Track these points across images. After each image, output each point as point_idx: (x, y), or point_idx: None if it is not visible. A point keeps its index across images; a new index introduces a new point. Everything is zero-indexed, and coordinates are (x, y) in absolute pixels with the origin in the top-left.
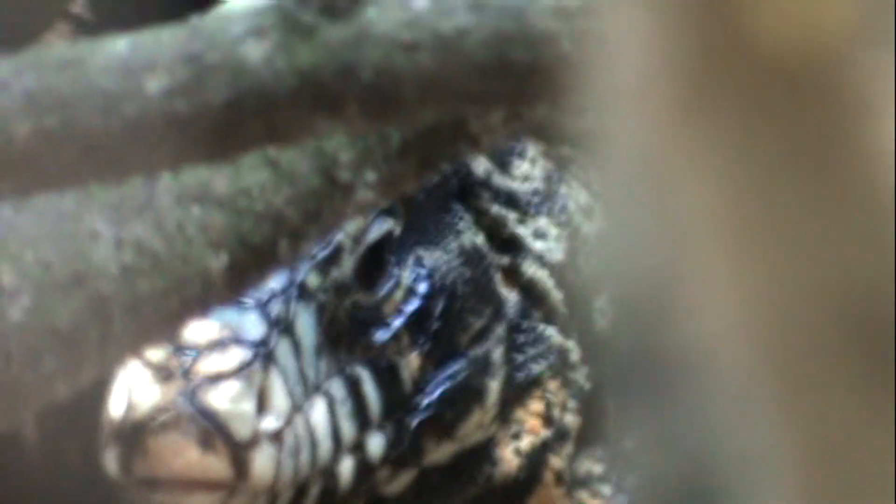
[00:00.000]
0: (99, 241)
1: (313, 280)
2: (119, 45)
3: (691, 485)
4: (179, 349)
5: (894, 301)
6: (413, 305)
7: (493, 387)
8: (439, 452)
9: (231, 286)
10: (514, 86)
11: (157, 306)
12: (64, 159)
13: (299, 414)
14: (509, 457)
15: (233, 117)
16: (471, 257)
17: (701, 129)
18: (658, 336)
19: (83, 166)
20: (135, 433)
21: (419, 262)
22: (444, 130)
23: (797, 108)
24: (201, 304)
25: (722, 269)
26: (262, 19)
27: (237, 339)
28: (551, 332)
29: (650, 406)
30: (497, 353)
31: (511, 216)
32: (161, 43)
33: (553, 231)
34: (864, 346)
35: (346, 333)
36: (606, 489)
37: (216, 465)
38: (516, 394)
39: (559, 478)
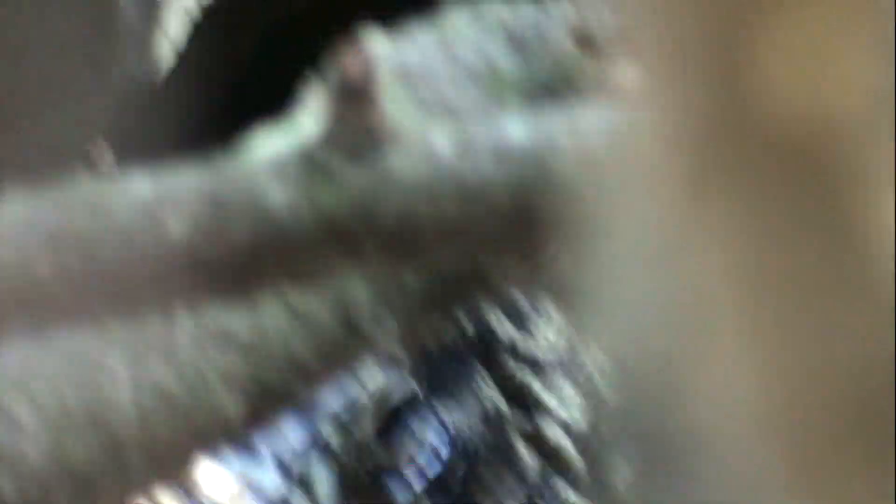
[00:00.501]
0: (117, 383)
1: (334, 439)
2: (142, 186)
3: None
4: (195, 502)
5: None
6: (435, 469)
7: None
8: None
9: (248, 428)
10: (535, 233)
11: (173, 448)
12: (84, 297)
13: None
14: None
15: (253, 259)
16: (493, 421)
17: (710, 207)
18: (665, 417)
19: (103, 304)
20: None
21: (442, 425)
22: (465, 281)
23: (803, 187)
24: (217, 447)
25: (729, 348)
26: (286, 163)
27: (255, 494)
28: (574, 499)
29: (657, 490)
30: None
31: (534, 382)
32: (184, 185)
33: (577, 399)
34: (867, 429)
35: (365, 493)
36: None
37: None
38: None
39: None
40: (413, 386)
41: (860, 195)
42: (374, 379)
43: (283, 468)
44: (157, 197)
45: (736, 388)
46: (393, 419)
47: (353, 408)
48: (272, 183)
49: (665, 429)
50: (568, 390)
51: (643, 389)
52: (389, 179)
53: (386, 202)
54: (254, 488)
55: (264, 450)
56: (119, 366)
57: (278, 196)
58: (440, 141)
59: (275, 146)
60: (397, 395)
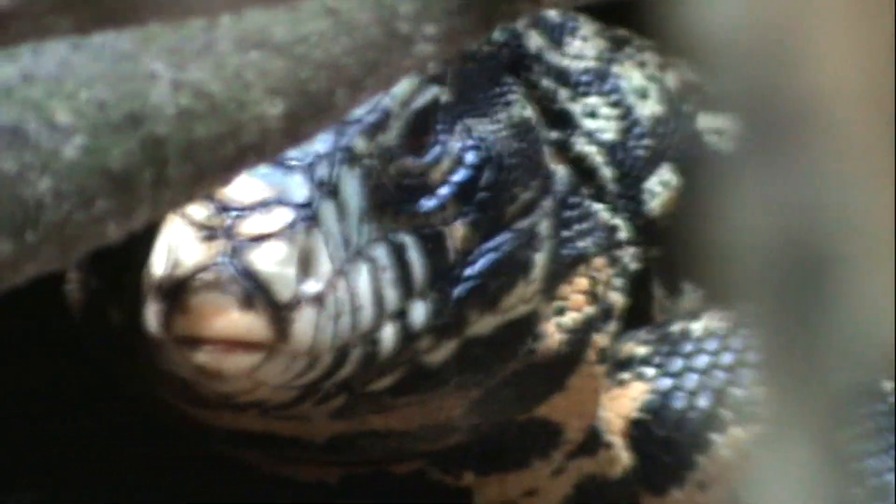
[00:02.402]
0: (156, 83)
1: (360, 144)
2: None
3: (798, 247)
4: (223, 208)
5: None
6: (460, 175)
7: (539, 260)
8: (482, 324)
9: (287, 134)
10: None
11: (212, 151)
12: None
13: (342, 278)
14: (552, 331)
15: None
16: (520, 129)
17: None
18: (774, 88)
19: (144, 5)
20: (176, 291)
21: (468, 132)
22: None
23: None
24: (256, 152)
25: (840, 24)
26: None
27: (281, 200)
28: (599, 209)
29: (764, 163)
30: (543, 227)
31: (562, 92)
32: None
33: (604, 110)
34: None
35: (391, 200)
36: (650, 371)
37: (256, 326)
38: (561, 269)
39: (602, 356)
40: (438, 91)
41: None
42: (403, 85)
43: (311, 175)
44: None
45: (843, 63)
46: (421, 125)
47: (380, 113)
48: None
49: (778, 95)
50: (598, 102)
51: (759, 56)
52: None
53: None
54: (282, 195)
55: (293, 157)
56: (159, 66)
57: None
58: None
59: None
60: (422, 100)
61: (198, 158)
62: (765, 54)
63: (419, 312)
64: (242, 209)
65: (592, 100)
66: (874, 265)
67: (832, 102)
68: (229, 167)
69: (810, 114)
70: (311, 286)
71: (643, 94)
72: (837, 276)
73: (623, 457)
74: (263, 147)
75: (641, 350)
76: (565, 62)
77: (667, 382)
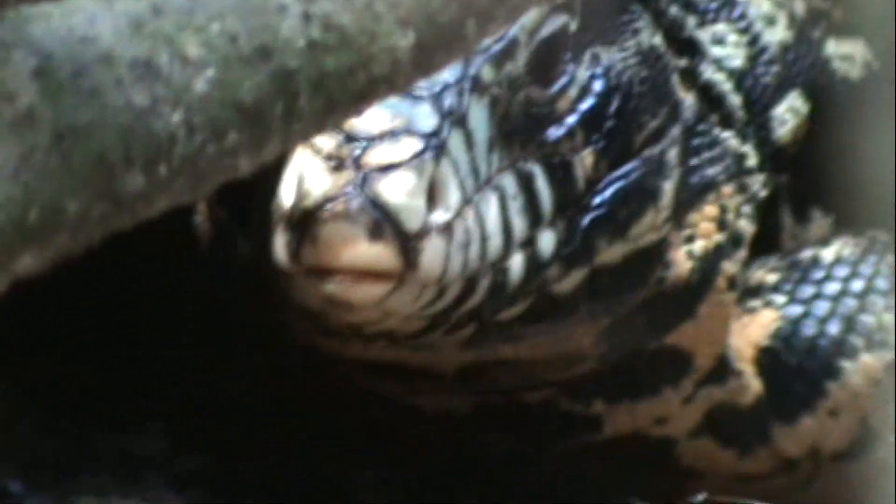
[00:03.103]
0: (286, 15)
1: (487, 73)
2: None
3: None
4: (350, 138)
5: None
6: (588, 103)
7: (667, 188)
8: (611, 252)
9: (418, 65)
10: None
11: (343, 83)
12: None
13: (470, 207)
14: (681, 259)
15: None
16: (647, 57)
17: None
18: None
19: None
20: (304, 221)
21: (595, 60)
22: None
23: None
24: (387, 83)
25: None
26: None
27: (409, 130)
28: (728, 137)
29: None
30: (672, 155)
31: (690, 19)
32: None
33: (732, 37)
34: None
35: (519, 129)
36: (780, 298)
37: (385, 255)
38: (690, 197)
39: (731, 284)
40: (566, 20)
41: None
42: (531, 13)
43: (439, 105)
44: None
45: None
46: (547, 53)
47: (507, 42)
48: None
49: None
50: (725, 29)
51: None
52: None
53: None
54: (409, 125)
55: (420, 86)
56: None
57: None
58: None
59: None
60: (550, 28)
61: (328, 91)
62: None
63: (547, 241)
64: (370, 139)
65: (720, 27)
66: None
67: None
68: (360, 99)
69: None
70: (440, 216)
71: (771, 21)
72: None
73: (753, 385)
74: (394, 78)
75: (771, 277)
76: None
77: (797, 310)
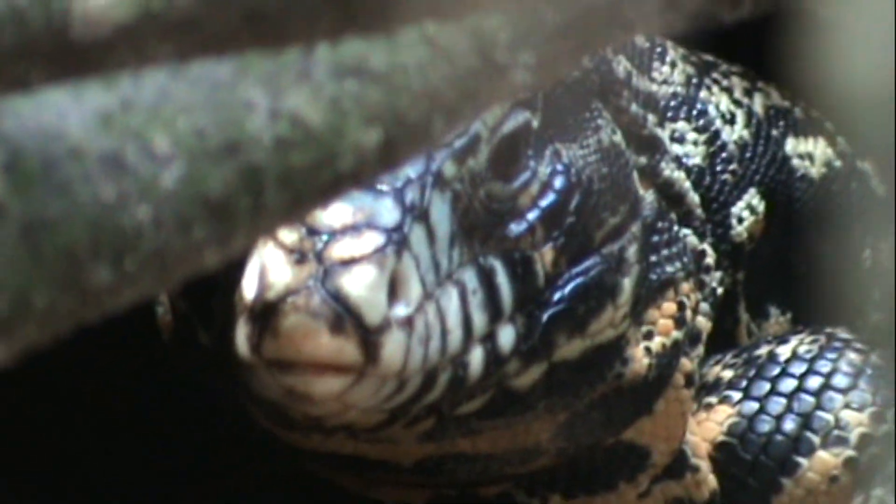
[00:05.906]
0: (254, 111)
1: (449, 169)
2: None
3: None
4: (313, 232)
5: None
6: (548, 199)
7: (626, 284)
8: (570, 348)
9: (384, 161)
10: None
11: (309, 178)
12: (224, 24)
13: (431, 301)
14: (640, 356)
15: None
16: (608, 154)
17: None
18: None
19: (243, 32)
20: (266, 313)
21: (556, 157)
22: (600, 14)
23: None
24: (352, 179)
25: None
26: None
27: (371, 224)
28: (687, 234)
29: None
30: (631, 251)
31: (650, 117)
32: None
33: (691, 135)
34: None
35: (480, 224)
36: (735, 395)
37: (346, 349)
38: (649, 293)
39: (689, 380)
40: (528, 116)
41: None
42: (493, 110)
43: (401, 199)
44: None
45: None
46: (509, 149)
47: (469, 138)
48: None
49: None
50: (685, 127)
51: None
52: None
53: None
54: (371, 219)
55: (382, 181)
56: (257, 94)
57: None
58: None
59: None
60: (512, 125)
61: (294, 186)
62: None
63: (507, 336)
64: (333, 233)
65: (679, 125)
66: None
67: None
68: (325, 194)
69: None
70: (401, 310)
71: (730, 119)
72: None
73: (709, 480)
74: (360, 174)
75: (727, 373)
76: (653, 87)
77: (753, 406)
